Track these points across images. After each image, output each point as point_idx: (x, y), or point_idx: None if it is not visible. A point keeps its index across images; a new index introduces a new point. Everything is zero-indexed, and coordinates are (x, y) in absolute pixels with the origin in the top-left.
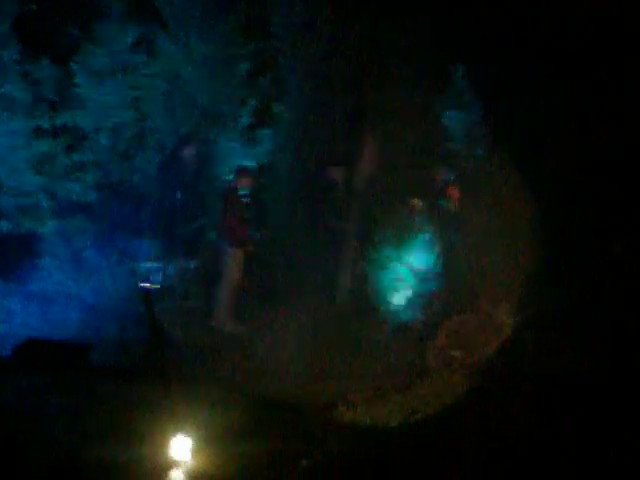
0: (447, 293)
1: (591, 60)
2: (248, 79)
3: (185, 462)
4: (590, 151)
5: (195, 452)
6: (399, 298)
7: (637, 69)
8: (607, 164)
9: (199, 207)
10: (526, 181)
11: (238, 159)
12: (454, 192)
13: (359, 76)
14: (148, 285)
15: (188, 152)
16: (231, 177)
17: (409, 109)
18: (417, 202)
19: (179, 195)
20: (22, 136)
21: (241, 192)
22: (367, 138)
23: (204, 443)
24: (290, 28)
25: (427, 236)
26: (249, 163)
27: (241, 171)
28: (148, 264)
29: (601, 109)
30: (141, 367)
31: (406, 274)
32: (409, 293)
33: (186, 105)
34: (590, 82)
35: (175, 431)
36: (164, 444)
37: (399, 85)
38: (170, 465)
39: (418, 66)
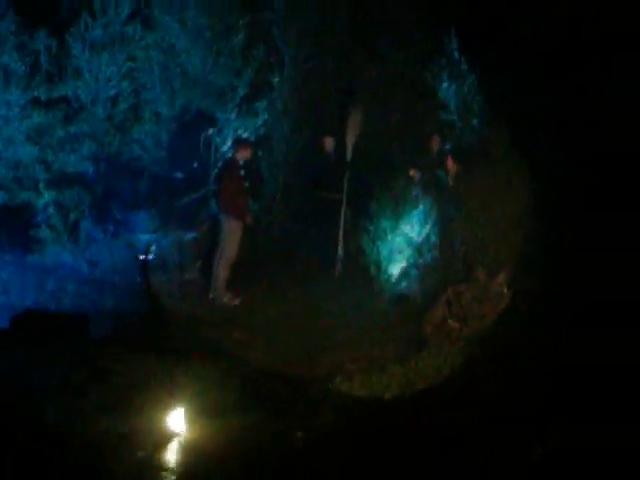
0: (444, 264)
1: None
2: (243, 50)
3: (181, 434)
4: (588, 127)
5: (191, 424)
6: (396, 269)
7: None
8: (605, 142)
9: (197, 178)
10: (522, 152)
11: (234, 130)
12: (450, 163)
13: (352, 46)
14: (145, 257)
15: (198, 125)
16: (228, 148)
17: (403, 79)
18: (413, 173)
19: (183, 170)
20: (18, 107)
21: (239, 163)
22: (361, 108)
23: (200, 415)
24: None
25: (423, 207)
26: (246, 134)
27: (239, 142)
28: (145, 236)
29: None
30: (138, 339)
31: (403, 245)
32: (406, 264)
33: (181, 76)
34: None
35: (171, 403)
36: (161, 416)
37: (393, 55)
38: (167, 437)
39: (412, 36)
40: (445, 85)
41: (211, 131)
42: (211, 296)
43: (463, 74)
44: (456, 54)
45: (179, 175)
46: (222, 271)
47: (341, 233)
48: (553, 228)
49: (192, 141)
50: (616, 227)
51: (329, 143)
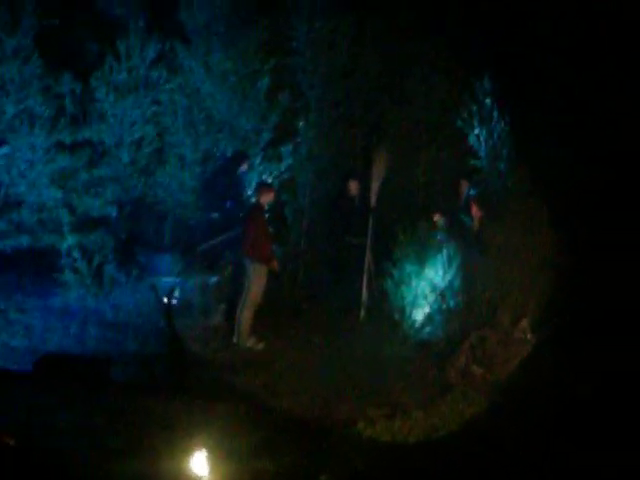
0: (467, 309)
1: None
2: (268, 94)
3: (204, 478)
4: (613, 171)
5: (213, 468)
6: (420, 314)
7: None
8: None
9: (221, 222)
10: (548, 198)
11: (259, 174)
12: (475, 208)
13: (379, 91)
14: (168, 300)
15: (236, 169)
16: (253, 192)
17: (429, 124)
18: (438, 217)
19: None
20: (42, 151)
21: (263, 208)
22: (386, 153)
23: (223, 459)
24: (310, 44)
25: (447, 252)
26: (270, 178)
27: (262, 186)
28: (168, 279)
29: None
30: (161, 383)
31: (426, 290)
32: (430, 309)
33: (206, 120)
34: (619, 104)
35: (194, 447)
36: (183, 460)
37: (420, 100)
38: None
39: (440, 81)
40: (476, 131)
41: (242, 171)
42: (235, 340)
43: (494, 120)
44: (488, 101)
45: (212, 216)
46: (246, 316)
47: (365, 278)
48: (577, 274)
49: (219, 184)
50: None
51: (354, 187)
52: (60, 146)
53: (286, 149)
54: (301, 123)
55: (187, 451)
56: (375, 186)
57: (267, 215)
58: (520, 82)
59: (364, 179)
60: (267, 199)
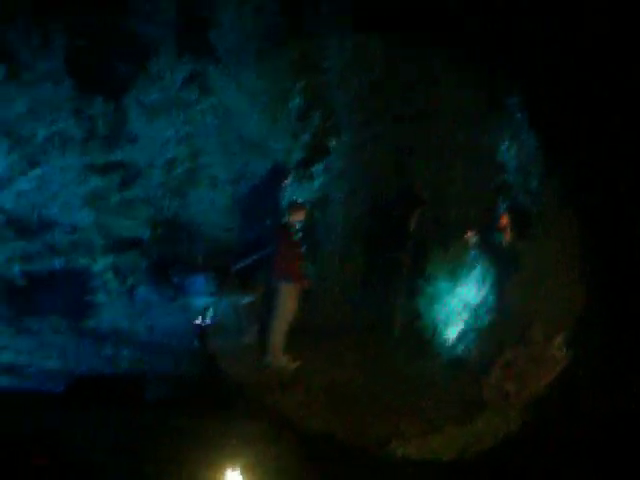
0: (501, 327)
1: None
2: (299, 114)
3: None
4: None
5: None
6: (453, 331)
7: None
8: None
9: (255, 242)
10: (580, 216)
11: (290, 194)
12: (507, 225)
13: (409, 107)
14: (202, 321)
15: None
16: (284, 212)
17: (461, 141)
18: (470, 234)
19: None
20: (75, 172)
21: (294, 227)
22: (419, 170)
23: (258, 478)
24: (341, 62)
25: (480, 269)
26: (301, 198)
27: (293, 205)
28: (202, 299)
29: None
30: (195, 403)
31: (459, 307)
32: (463, 326)
33: (238, 140)
34: None
35: (229, 465)
36: (218, 479)
37: (451, 116)
38: None
39: (470, 97)
40: (505, 146)
41: (282, 188)
42: (268, 360)
43: (524, 134)
44: (518, 114)
45: (246, 235)
46: (278, 335)
47: (399, 296)
48: (611, 289)
49: (257, 203)
50: None
51: (387, 206)
52: (92, 168)
53: (317, 168)
54: (333, 142)
55: (222, 469)
56: (408, 203)
57: (298, 234)
58: (551, 95)
59: (397, 196)
60: (297, 218)
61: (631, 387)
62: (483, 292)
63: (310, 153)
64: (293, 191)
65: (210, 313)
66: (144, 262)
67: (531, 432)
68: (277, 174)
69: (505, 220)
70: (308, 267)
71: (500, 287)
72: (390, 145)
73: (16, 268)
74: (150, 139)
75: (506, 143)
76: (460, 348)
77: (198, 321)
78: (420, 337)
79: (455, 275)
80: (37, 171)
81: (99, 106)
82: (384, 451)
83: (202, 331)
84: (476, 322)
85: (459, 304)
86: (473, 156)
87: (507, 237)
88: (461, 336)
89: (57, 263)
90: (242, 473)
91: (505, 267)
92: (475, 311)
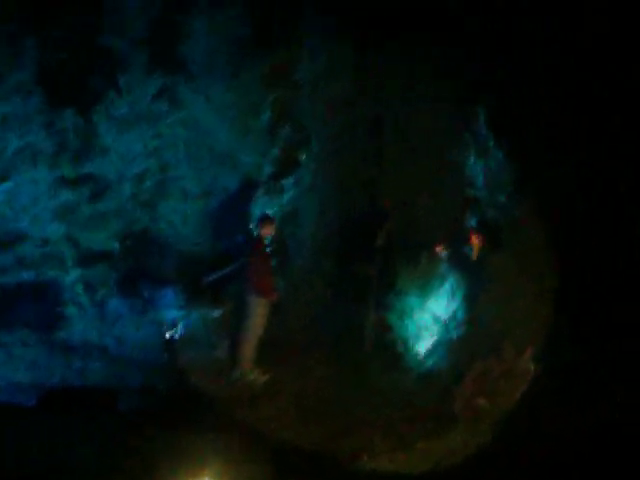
0: (471, 340)
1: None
2: (269, 127)
3: None
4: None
5: None
6: (423, 345)
7: None
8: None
9: (223, 255)
10: (549, 229)
11: (260, 207)
12: (476, 239)
13: (378, 120)
14: (172, 334)
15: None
16: (254, 225)
17: (430, 154)
18: (440, 249)
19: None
20: (45, 185)
21: (264, 240)
22: (389, 183)
23: None
24: (311, 75)
25: (450, 283)
26: (271, 211)
27: (263, 219)
28: (172, 312)
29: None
30: (165, 415)
31: (430, 321)
32: (433, 340)
33: (208, 154)
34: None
35: (199, 478)
36: None
37: (420, 130)
38: None
39: (439, 111)
40: (472, 161)
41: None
42: (238, 373)
43: (491, 150)
44: (484, 130)
45: (216, 249)
46: (248, 349)
47: (369, 310)
48: (580, 303)
49: (226, 217)
50: None
51: (356, 219)
52: (63, 181)
53: (287, 182)
54: (303, 155)
55: None
56: (378, 216)
57: (269, 248)
58: (517, 110)
59: (367, 209)
60: (268, 232)
61: (601, 401)
62: (453, 306)
63: (280, 166)
64: (263, 204)
65: (180, 326)
66: (114, 275)
67: (502, 446)
68: (247, 187)
69: (475, 234)
70: (278, 281)
71: (470, 301)
72: (360, 159)
73: None
74: (120, 152)
75: (475, 157)
76: (431, 362)
77: (168, 334)
78: (390, 351)
79: (425, 289)
80: (7, 184)
81: (69, 119)
82: (355, 465)
83: (172, 344)
84: (447, 336)
85: (429, 318)
86: (442, 169)
87: (477, 251)
88: (432, 350)
89: (27, 276)
90: None
91: (475, 281)
92: (445, 325)
